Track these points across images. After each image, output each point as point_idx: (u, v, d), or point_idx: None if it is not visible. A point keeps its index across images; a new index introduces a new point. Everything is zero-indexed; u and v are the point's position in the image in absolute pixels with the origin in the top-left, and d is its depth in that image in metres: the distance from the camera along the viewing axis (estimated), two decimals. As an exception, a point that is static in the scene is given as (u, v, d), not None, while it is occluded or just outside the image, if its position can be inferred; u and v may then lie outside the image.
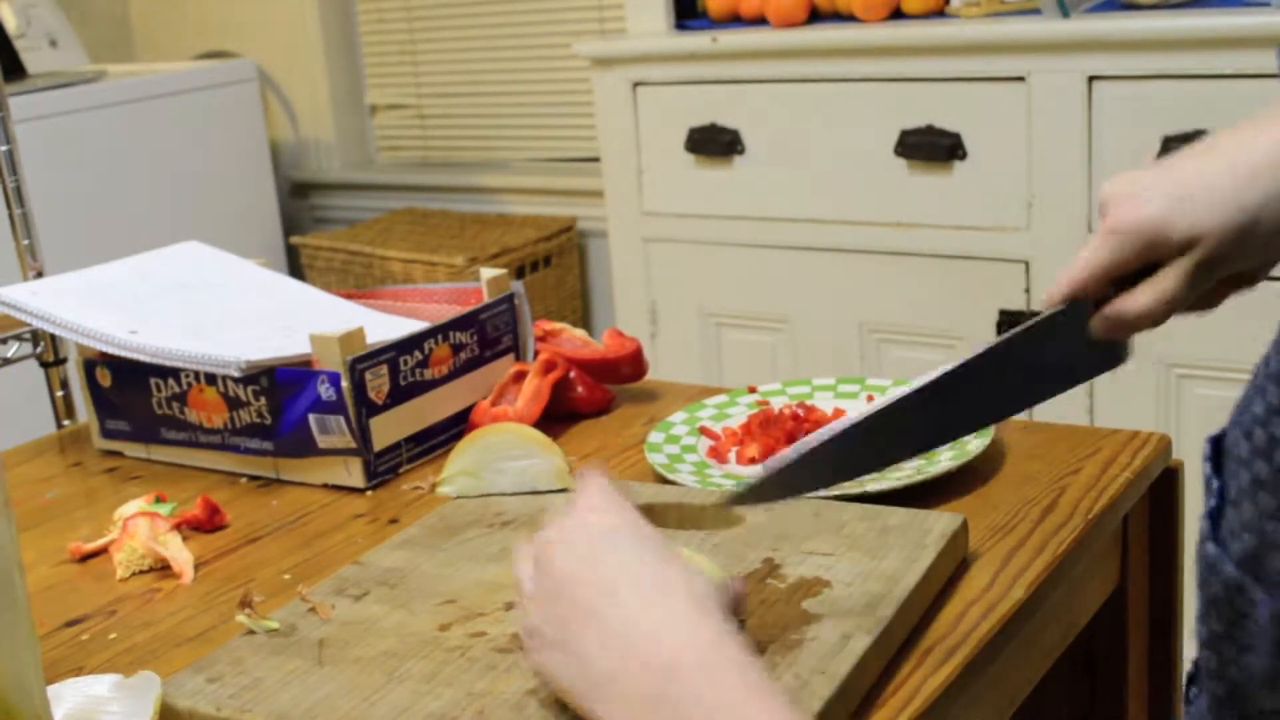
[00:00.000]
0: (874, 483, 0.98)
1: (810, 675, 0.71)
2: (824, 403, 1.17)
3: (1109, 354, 0.77)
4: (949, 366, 0.75)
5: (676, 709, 0.60)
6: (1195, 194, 0.70)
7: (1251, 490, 0.55)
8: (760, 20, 2.22)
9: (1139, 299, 0.73)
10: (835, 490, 0.97)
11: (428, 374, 1.16)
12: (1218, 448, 0.61)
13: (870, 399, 1.15)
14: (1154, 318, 0.74)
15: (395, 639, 0.81)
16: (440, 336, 1.17)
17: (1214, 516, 0.59)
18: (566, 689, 0.66)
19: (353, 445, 1.10)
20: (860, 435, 0.75)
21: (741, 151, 2.19)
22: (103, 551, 1.03)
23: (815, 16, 2.19)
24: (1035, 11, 1.93)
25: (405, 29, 3.25)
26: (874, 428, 0.75)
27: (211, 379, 1.14)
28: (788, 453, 0.76)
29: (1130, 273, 0.74)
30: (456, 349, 1.19)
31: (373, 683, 0.76)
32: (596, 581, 0.66)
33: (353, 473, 1.11)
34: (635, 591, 0.65)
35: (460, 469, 1.05)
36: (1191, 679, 0.69)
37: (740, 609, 0.73)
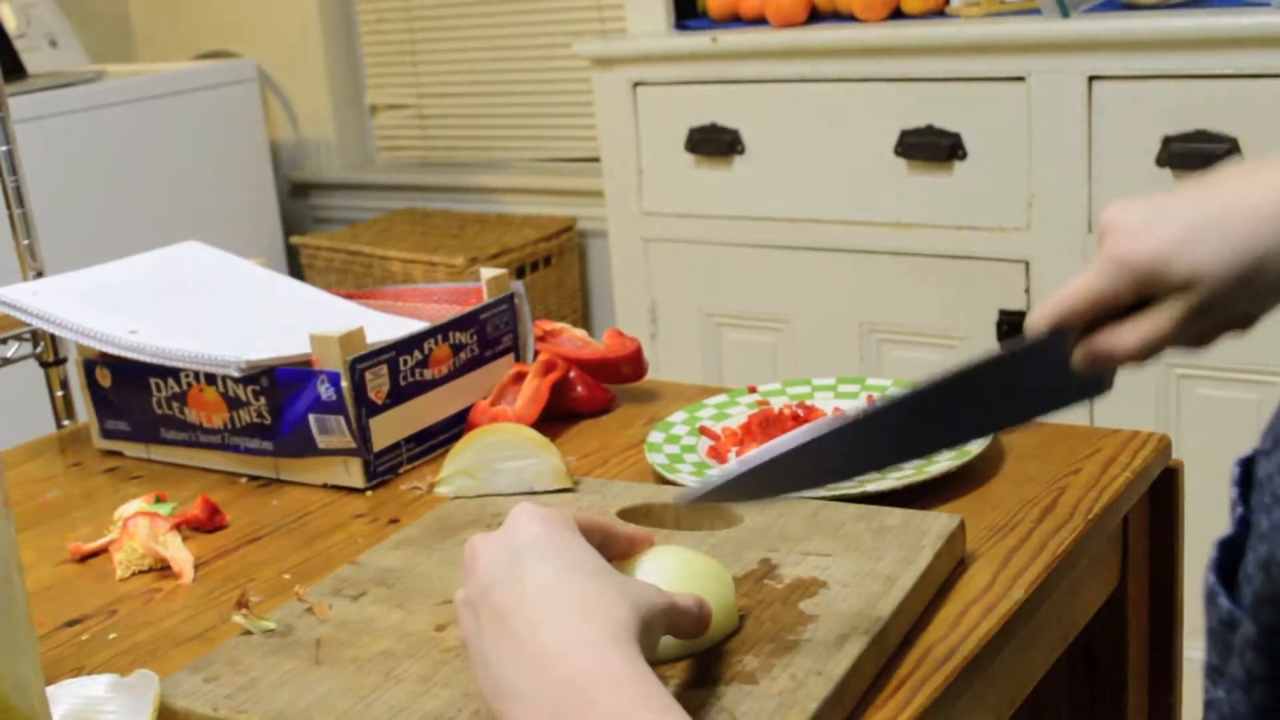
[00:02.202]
0: (873, 483, 0.98)
1: (806, 676, 0.71)
2: (824, 403, 1.17)
3: (1090, 383, 0.75)
4: (923, 383, 0.73)
5: None
6: (1199, 234, 0.68)
7: None
8: (760, 20, 2.22)
9: (1128, 336, 0.72)
10: (833, 490, 0.98)
11: (428, 374, 1.16)
12: (1248, 472, 0.59)
13: (870, 399, 1.15)
14: (1141, 356, 0.72)
15: (392, 639, 0.81)
16: (440, 336, 1.17)
17: (1226, 545, 0.58)
18: (483, 693, 0.66)
19: (353, 445, 1.10)
20: (829, 445, 0.73)
21: (741, 151, 2.19)
22: (103, 551, 1.03)
23: (815, 16, 2.19)
24: (1035, 11, 1.93)
25: (405, 29, 3.25)
26: (843, 439, 0.73)
27: (211, 379, 1.14)
28: (754, 454, 0.74)
29: (1122, 306, 0.72)
30: (456, 349, 1.19)
31: (369, 683, 0.76)
32: (517, 596, 0.65)
33: (352, 473, 1.11)
34: (551, 610, 0.64)
35: (458, 469, 1.05)
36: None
37: (697, 628, 0.72)
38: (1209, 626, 0.57)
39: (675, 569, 0.76)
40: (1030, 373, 0.73)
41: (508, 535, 0.69)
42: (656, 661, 0.64)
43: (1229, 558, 0.56)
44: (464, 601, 0.69)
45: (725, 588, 0.77)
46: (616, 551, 0.75)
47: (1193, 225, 0.69)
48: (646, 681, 0.61)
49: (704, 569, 0.77)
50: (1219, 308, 0.70)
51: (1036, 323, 0.74)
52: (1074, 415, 1.96)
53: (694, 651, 0.75)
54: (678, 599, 0.70)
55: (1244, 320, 0.74)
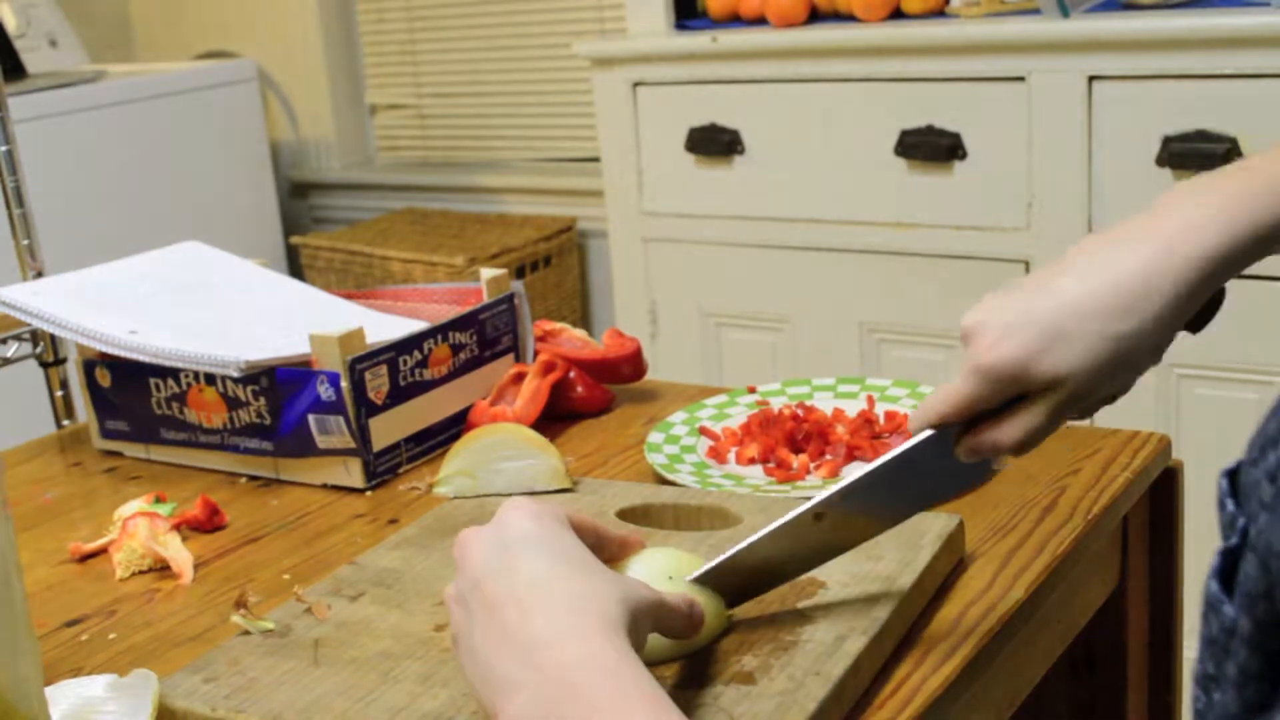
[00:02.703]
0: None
1: (805, 676, 0.71)
2: (824, 403, 1.17)
3: (976, 471, 0.77)
4: (807, 505, 0.75)
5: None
6: (1056, 339, 0.70)
7: None
8: (760, 20, 2.22)
9: (1004, 433, 0.73)
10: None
11: (427, 374, 1.15)
12: (1235, 481, 0.59)
13: (870, 399, 1.15)
14: (1020, 448, 0.74)
15: (391, 639, 0.81)
16: (440, 336, 1.17)
17: (1228, 554, 0.58)
18: (473, 687, 0.66)
19: (352, 445, 1.10)
20: (725, 574, 0.77)
21: (741, 151, 2.19)
22: (102, 552, 1.03)
23: (815, 16, 2.19)
24: (1035, 11, 1.93)
25: (405, 29, 3.25)
26: (739, 567, 0.77)
27: (211, 379, 1.14)
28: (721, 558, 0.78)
29: (994, 405, 0.74)
30: (456, 349, 1.19)
31: (368, 683, 0.76)
32: (508, 587, 0.65)
33: (352, 473, 1.11)
34: (543, 601, 0.64)
35: (457, 469, 1.05)
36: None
37: (688, 628, 0.72)
38: (1208, 635, 0.56)
39: (664, 570, 0.76)
40: (916, 473, 0.75)
41: (499, 528, 0.69)
42: (646, 663, 0.64)
43: (1231, 566, 0.56)
44: (455, 596, 0.69)
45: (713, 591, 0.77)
46: (608, 554, 0.75)
47: (1049, 330, 0.70)
48: (638, 673, 0.61)
49: (691, 569, 0.77)
50: (1089, 396, 0.72)
51: (914, 425, 0.76)
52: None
53: (682, 654, 0.75)
54: (667, 598, 0.70)
55: (1121, 392, 0.76)
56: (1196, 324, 0.77)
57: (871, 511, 0.77)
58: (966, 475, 0.77)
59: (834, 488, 0.76)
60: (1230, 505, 0.58)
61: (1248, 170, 0.72)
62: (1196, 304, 0.72)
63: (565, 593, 0.65)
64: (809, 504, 0.75)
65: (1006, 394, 0.73)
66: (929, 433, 0.75)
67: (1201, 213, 0.71)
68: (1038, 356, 0.70)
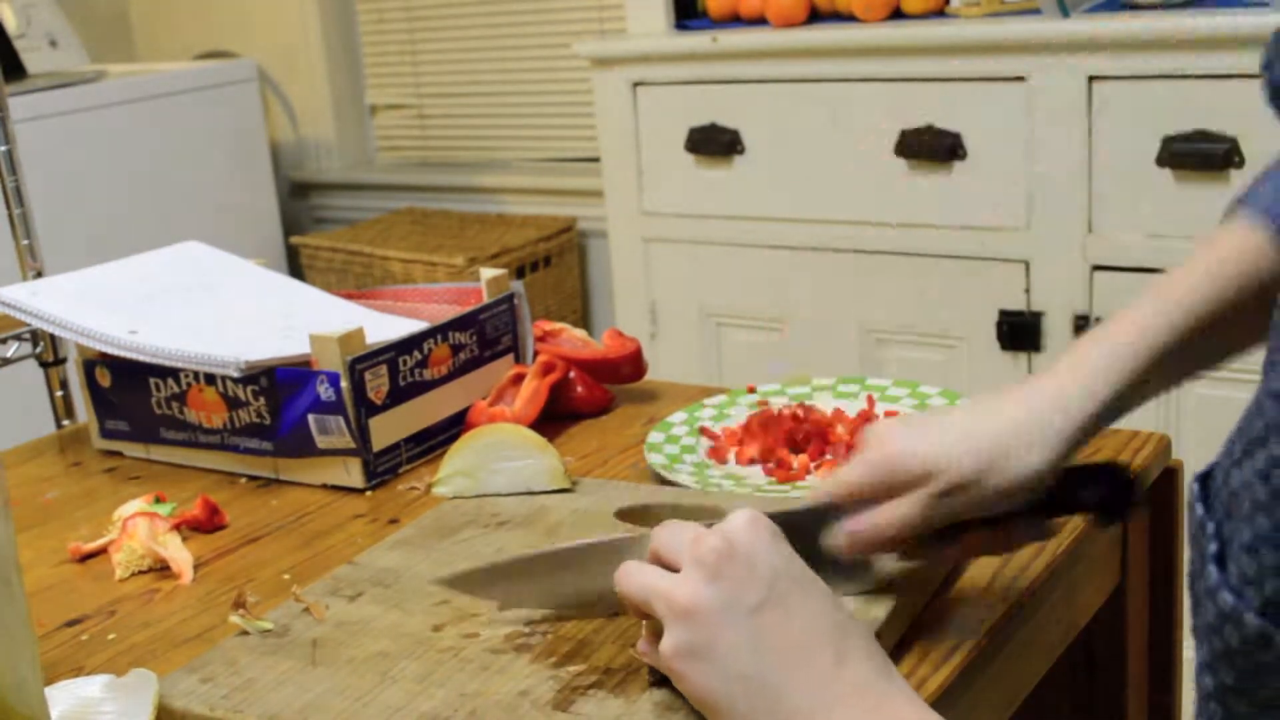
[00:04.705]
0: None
1: (808, 676, 0.71)
2: (823, 403, 1.17)
3: (860, 576, 0.80)
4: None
5: None
6: (933, 434, 0.75)
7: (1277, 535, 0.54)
8: (760, 20, 2.22)
9: (876, 515, 0.76)
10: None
11: (427, 374, 1.15)
12: (1207, 486, 0.60)
13: (870, 399, 1.15)
14: (891, 538, 0.76)
15: (389, 639, 0.81)
16: (440, 337, 1.17)
17: (1221, 560, 0.58)
18: (739, 714, 0.66)
19: (352, 445, 1.09)
20: (581, 557, 0.80)
21: (741, 151, 2.19)
22: (102, 551, 1.03)
23: (815, 16, 2.19)
24: (1035, 11, 1.93)
25: (405, 29, 3.25)
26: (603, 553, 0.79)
27: (211, 379, 1.14)
28: (516, 555, 0.82)
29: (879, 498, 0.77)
30: (456, 349, 1.19)
31: (366, 683, 0.76)
32: (821, 638, 0.66)
33: (352, 473, 1.11)
34: (848, 653, 0.66)
35: (456, 469, 1.05)
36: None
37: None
38: (1222, 647, 0.56)
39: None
40: (811, 542, 0.77)
41: (765, 564, 0.68)
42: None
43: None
44: (709, 619, 0.67)
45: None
46: None
47: (931, 428, 0.76)
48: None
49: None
50: (957, 498, 0.74)
51: (811, 498, 0.80)
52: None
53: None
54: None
55: (1002, 543, 0.80)
56: (1108, 513, 0.81)
57: None
58: (846, 578, 0.79)
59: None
60: (1200, 509, 0.58)
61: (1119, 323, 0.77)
62: (1084, 438, 0.75)
63: (852, 633, 0.68)
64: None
65: (889, 485, 0.76)
66: (819, 500, 0.78)
67: (1091, 362, 0.76)
68: (913, 447, 0.75)
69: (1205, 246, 0.77)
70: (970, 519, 0.76)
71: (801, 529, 0.76)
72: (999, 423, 0.74)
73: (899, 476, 0.75)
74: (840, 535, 0.77)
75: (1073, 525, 0.92)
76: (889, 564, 0.80)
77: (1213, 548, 0.58)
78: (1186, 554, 0.60)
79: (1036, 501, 0.76)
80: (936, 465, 0.74)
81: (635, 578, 0.70)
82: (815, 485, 1.02)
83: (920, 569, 0.81)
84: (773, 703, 0.64)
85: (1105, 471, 0.79)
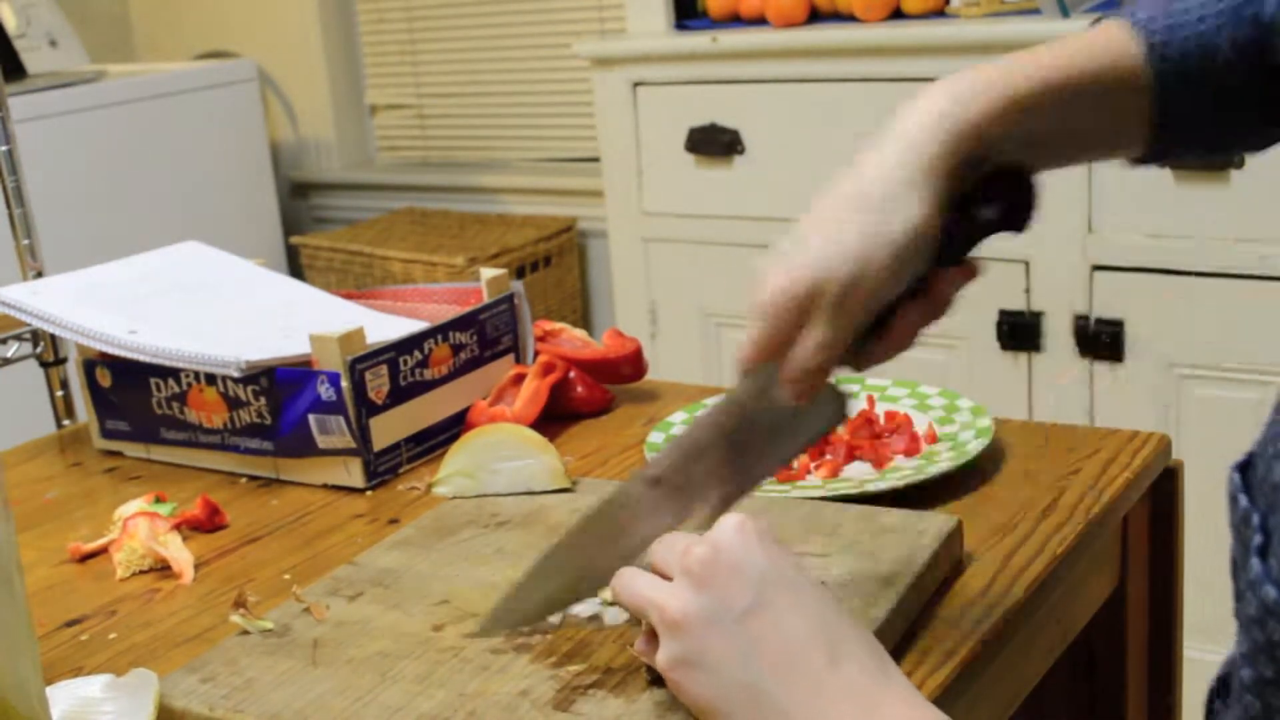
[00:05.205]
0: (872, 483, 0.98)
1: (808, 675, 0.71)
2: (823, 403, 1.17)
3: (829, 410, 0.78)
4: (677, 444, 0.77)
5: None
6: (797, 256, 0.73)
7: None
8: (760, 20, 2.22)
9: (796, 354, 0.74)
10: (831, 490, 0.98)
11: (427, 374, 1.16)
12: (1248, 476, 0.59)
13: (870, 399, 1.15)
14: (824, 364, 0.74)
15: (389, 639, 0.81)
16: (440, 337, 1.17)
17: (1263, 553, 0.58)
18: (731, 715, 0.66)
19: (352, 445, 1.10)
20: (602, 523, 0.77)
21: (741, 151, 2.19)
22: (102, 551, 1.03)
23: (815, 16, 2.19)
24: (1035, 11, 1.93)
25: (405, 29, 3.25)
26: (607, 516, 0.77)
27: (211, 379, 1.14)
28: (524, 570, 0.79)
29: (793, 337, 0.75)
30: (456, 349, 1.19)
31: (366, 683, 0.76)
32: (813, 641, 0.66)
33: (352, 473, 1.11)
34: (842, 654, 0.66)
35: (456, 469, 1.05)
36: (1217, 692, 0.68)
37: None
38: (1265, 639, 0.55)
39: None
40: (758, 419, 0.76)
41: (745, 563, 0.68)
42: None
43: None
44: (710, 631, 0.66)
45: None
46: None
47: (792, 245, 0.74)
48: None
49: None
50: (857, 299, 0.72)
51: (741, 367, 0.77)
52: (1074, 415, 1.95)
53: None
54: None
55: (935, 308, 0.80)
56: (1013, 222, 0.78)
57: (719, 472, 0.77)
58: (820, 415, 0.78)
59: (670, 447, 0.77)
60: (1244, 501, 0.57)
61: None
62: (959, 177, 0.73)
63: (863, 642, 0.67)
64: (646, 470, 0.76)
65: (793, 320, 0.73)
66: (746, 373, 0.76)
67: (932, 102, 0.73)
68: (790, 278, 0.72)
69: (1071, 36, 0.76)
70: (892, 298, 0.75)
71: (755, 412, 0.75)
72: (848, 208, 0.73)
73: (790, 312, 0.73)
74: (784, 389, 0.75)
75: (1072, 525, 0.92)
76: (845, 376, 0.77)
77: (1258, 540, 0.57)
78: (1229, 544, 0.59)
79: (943, 249, 0.74)
80: (814, 283, 0.72)
81: (631, 587, 0.70)
82: (813, 482, 1.02)
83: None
84: (767, 709, 0.64)
85: (996, 182, 0.76)
